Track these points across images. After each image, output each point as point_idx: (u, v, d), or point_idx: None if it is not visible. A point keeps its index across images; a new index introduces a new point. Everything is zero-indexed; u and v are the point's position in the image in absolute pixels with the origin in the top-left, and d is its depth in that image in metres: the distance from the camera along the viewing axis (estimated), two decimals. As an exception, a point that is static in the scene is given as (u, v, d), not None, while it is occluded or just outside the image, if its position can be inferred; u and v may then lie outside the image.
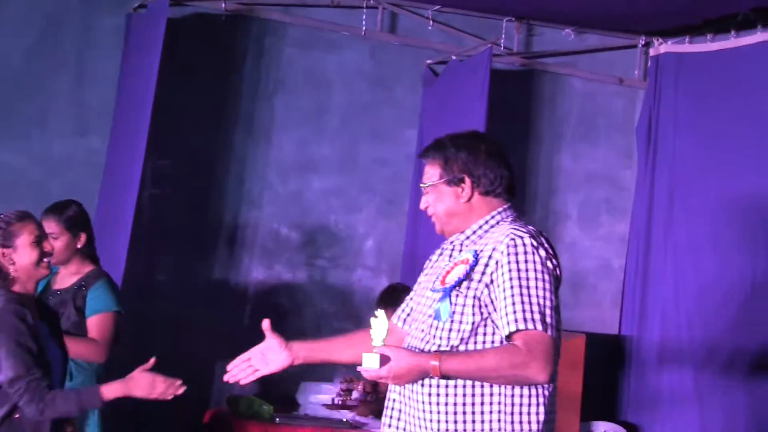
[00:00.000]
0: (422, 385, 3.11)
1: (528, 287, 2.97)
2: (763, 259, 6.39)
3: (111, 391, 3.65)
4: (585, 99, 7.44)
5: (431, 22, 7.04)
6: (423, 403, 3.11)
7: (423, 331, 3.20)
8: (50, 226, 4.54)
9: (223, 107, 6.80)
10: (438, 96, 6.98)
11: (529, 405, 3.06)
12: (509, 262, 3.01)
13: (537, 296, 2.97)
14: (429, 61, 7.15)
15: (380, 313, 3.13)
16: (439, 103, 6.95)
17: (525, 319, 2.94)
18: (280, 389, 6.56)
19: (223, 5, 6.58)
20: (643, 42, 7.34)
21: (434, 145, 3.35)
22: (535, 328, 2.93)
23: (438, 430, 3.07)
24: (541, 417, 3.07)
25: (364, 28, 6.95)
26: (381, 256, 7.07)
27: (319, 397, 6.26)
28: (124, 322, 4.84)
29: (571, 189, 7.36)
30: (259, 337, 6.76)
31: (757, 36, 6.65)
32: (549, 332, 2.95)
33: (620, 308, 7.26)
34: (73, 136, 6.49)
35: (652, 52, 7.31)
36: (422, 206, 3.35)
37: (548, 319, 2.95)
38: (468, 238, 3.23)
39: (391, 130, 7.16)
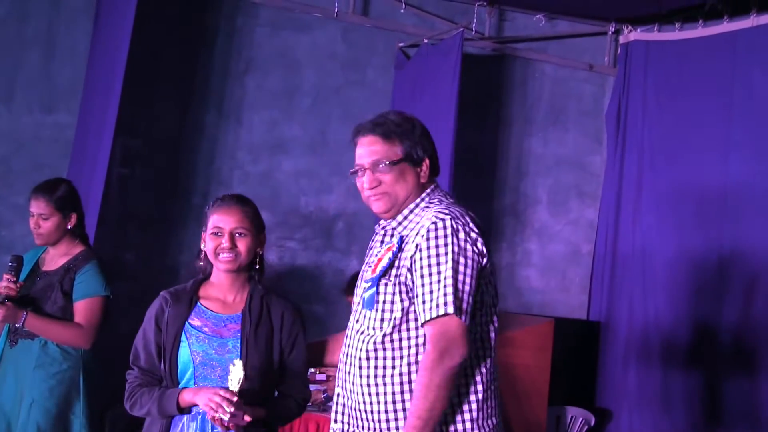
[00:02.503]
0: (360, 377, 3.10)
1: (440, 272, 2.94)
2: (728, 245, 6.45)
3: (186, 398, 3.31)
4: (555, 84, 7.48)
5: (403, 5, 7.04)
6: (362, 394, 3.09)
7: (358, 321, 3.17)
8: (39, 205, 4.46)
9: (194, 86, 6.75)
10: (409, 79, 6.98)
11: (467, 384, 3.05)
12: (427, 247, 2.97)
13: (450, 278, 2.92)
14: (401, 44, 7.14)
15: (238, 362, 3.17)
16: (411, 86, 6.94)
17: (437, 305, 2.91)
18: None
19: (195, -18, 6.54)
20: (612, 29, 7.38)
21: (394, 123, 3.22)
22: (446, 312, 2.90)
23: (378, 420, 3.06)
24: (480, 395, 3.07)
25: (336, 9, 6.93)
26: (351, 238, 7.06)
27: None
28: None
29: (541, 173, 7.39)
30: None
31: (724, 26, 6.71)
32: (460, 317, 2.91)
33: (589, 293, 7.31)
34: (41, 111, 6.41)
35: (621, 39, 7.35)
36: (371, 185, 3.20)
37: (464, 305, 2.92)
38: (400, 224, 3.18)
39: (362, 111, 7.09)
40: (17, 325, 4.32)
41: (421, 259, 2.98)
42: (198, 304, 3.50)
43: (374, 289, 3.09)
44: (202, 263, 3.57)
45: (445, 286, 2.92)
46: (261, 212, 6.80)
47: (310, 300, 6.93)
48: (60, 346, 4.37)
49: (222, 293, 3.54)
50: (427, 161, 3.18)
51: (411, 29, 7.15)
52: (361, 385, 3.09)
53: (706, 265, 6.55)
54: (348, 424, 3.17)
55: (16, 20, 6.36)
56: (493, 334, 3.12)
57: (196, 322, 3.44)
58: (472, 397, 3.06)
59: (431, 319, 2.93)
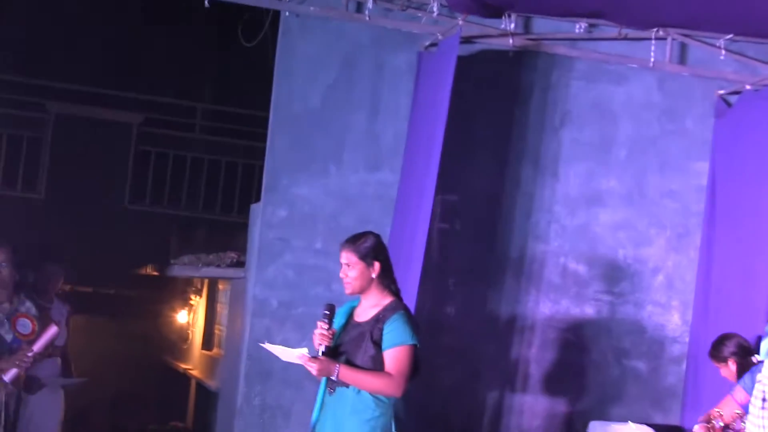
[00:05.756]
0: None
1: None
2: None
3: None
4: None
5: (723, 52, 6.81)
6: None
7: None
8: (345, 255, 4.72)
9: (510, 141, 6.85)
10: (731, 127, 6.75)
11: None
12: None
13: None
14: (721, 92, 6.93)
15: None
16: (733, 135, 6.71)
17: None
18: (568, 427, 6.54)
19: (511, 41, 6.64)
20: None
21: None
22: None
23: None
24: None
25: (652, 59, 6.82)
26: (672, 291, 6.89)
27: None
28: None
29: None
30: (548, 373, 6.79)
31: None
32: None
33: None
34: (366, 170, 6.73)
35: None
36: None
37: None
38: None
39: (681, 162, 6.98)
40: (332, 377, 4.55)
41: None
42: None
43: None
44: None
45: None
46: (579, 265, 6.84)
47: (630, 356, 6.82)
48: (373, 394, 4.56)
49: None
50: None
51: (731, 76, 6.91)
52: None
53: None
54: None
55: (344, 84, 6.74)
56: None
57: None
58: None
59: None
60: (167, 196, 12.57)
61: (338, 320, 4.75)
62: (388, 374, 4.54)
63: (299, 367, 4.69)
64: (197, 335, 10.91)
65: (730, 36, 6.75)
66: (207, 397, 9.50)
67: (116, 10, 11.29)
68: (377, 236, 4.82)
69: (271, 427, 6.57)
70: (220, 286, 9.86)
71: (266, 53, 7.29)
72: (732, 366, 5.52)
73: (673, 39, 6.83)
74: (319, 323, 4.61)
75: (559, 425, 6.59)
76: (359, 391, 4.55)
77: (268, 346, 4.78)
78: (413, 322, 4.68)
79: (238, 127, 12.85)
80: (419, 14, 6.67)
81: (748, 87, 6.74)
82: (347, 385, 4.57)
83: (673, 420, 6.45)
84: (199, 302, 10.99)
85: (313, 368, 4.53)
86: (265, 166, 6.81)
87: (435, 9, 6.54)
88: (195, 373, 10.68)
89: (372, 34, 6.75)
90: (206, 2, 6.48)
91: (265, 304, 6.65)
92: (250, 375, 6.60)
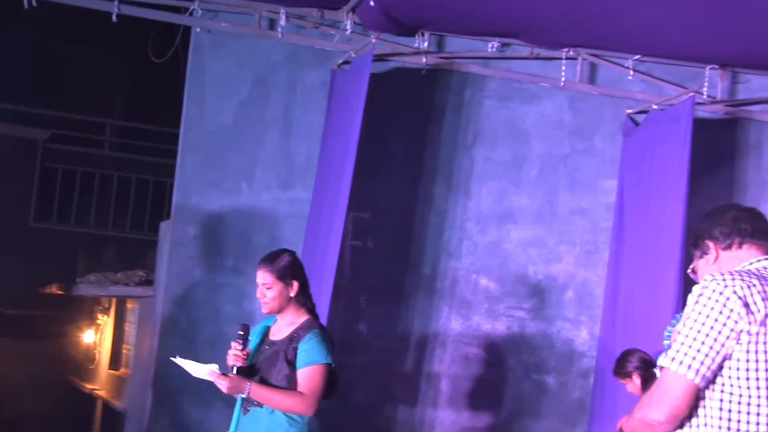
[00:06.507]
0: None
1: (683, 327, 3.02)
2: None
3: None
4: (795, 147, 7.19)
5: (631, 72, 6.97)
6: None
7: None
8: (263, 275, 4.61)
9: (423, 159, 6.89)
10: (638, 146, 6.87)
11: None
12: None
13: (685, 336, 3.00)
14: (629, 111, 7.06)
15: None
16: (640, 153, 6.83)
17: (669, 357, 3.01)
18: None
19: (424, 60, 6.70)
20: None
21: None
22: (670, 366, 2.98)
23: None
24: None
25: (563, 78, 6.93)
26: (581, 306, 6.98)
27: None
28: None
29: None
30: (460, 389, 6.81)
31: None
32: (677, 369, 2.96)
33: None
34: (278, 187, 6.70)
35: None
36: None
37: (682, 357, 2.97)
38: None
39: (590, 180, 7.09)
40: (243, 395, 4.49)
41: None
42: None
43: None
44: None
45: (678, 343, 3.01)
46: (490, 282, 6.89)
47: (540, 370, 6.88)
48: (286, 413, 4.51)
49: None
50: (707, 242, 3.32)
51: (639, 95, 7.06)
52: None
53: None
54: None
55: (256, 101, 6.72)
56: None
57: None
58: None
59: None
60: (74, 214, 12.36)
61: (253, 339, 4.67)
62: (300, 393, 4.46)
63: (209, 387, 4.62)
64: (104, 355, 10.73)
65: (638, 57, 6.92)
66: (113, 418, 9.33)
67: (22, 24, 11.06)
68: (293, 254, 4.72)
69: (181, 446, 6.49)
70: (129, 305, 9.72)
71: (177, 69, 7.22)
72: (636, 380, 5.59)
73: (584, 59, 6.96)
74: (233, 343, 4.51)
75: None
76: (273, 410, 4.48)
77: (178, 360, 4.69)
78: (328, 340, 4.60)
79: (149, 143, 12.72)
80: (332, 32, 6.68)
81: (654, 106, 6.86)
82: (261, 405, 4.50)
83: (581, 434, 6.54)
84: (107, 321, 10.81)
85: (223, 385, 4.44)
86: (176, 183, 6.72)
87: (348, 27, 6.56)
88: (101, 393, 10.48)
89: (285, 51, 6.74)
90: (113, 17, 6.41)
91: (174, 323, 6.56)
92: (158, 394, 6.51)
